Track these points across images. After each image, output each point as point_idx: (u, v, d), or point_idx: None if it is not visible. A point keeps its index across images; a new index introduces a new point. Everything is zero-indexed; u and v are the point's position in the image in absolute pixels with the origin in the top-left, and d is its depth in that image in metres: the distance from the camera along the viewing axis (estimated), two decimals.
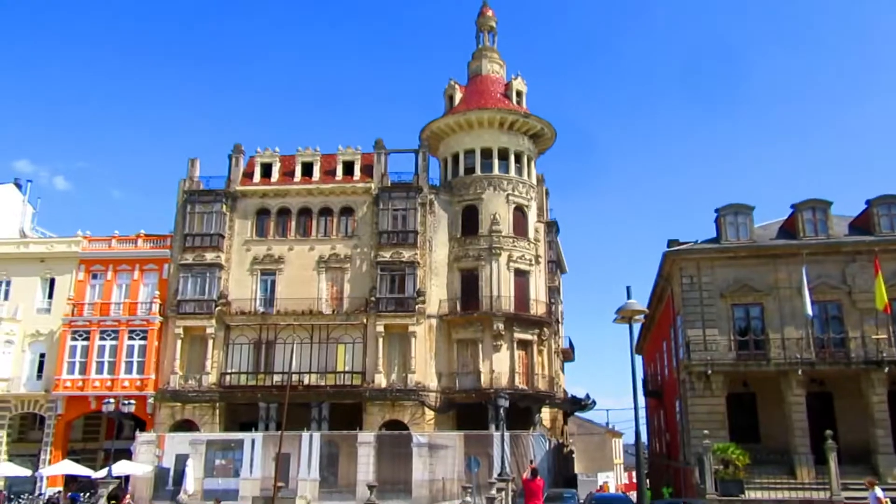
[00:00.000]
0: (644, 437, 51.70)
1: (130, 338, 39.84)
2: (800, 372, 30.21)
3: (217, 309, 40.22)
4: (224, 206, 42.04)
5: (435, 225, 41.56)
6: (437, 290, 40.60)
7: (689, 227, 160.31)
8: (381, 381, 38.81)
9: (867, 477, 19.16)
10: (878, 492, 15.67)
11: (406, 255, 40.32)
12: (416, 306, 39.61)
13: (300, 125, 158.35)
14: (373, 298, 39.73)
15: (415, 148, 43.61)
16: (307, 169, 43.47)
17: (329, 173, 43.28)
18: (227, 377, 39.54)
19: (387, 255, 40.42)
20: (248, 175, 43.47)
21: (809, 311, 29.82)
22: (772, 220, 36.32)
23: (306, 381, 38.36)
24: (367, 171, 42.94)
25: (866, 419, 29.93)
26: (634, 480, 19.52)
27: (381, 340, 39.30)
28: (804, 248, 32.11)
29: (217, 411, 39.19)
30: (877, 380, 29.73)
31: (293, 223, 42.16)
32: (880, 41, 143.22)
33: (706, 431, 28.68)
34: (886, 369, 29.56)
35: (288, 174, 43.47)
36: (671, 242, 34.84)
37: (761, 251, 33.25)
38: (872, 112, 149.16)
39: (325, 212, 42.22)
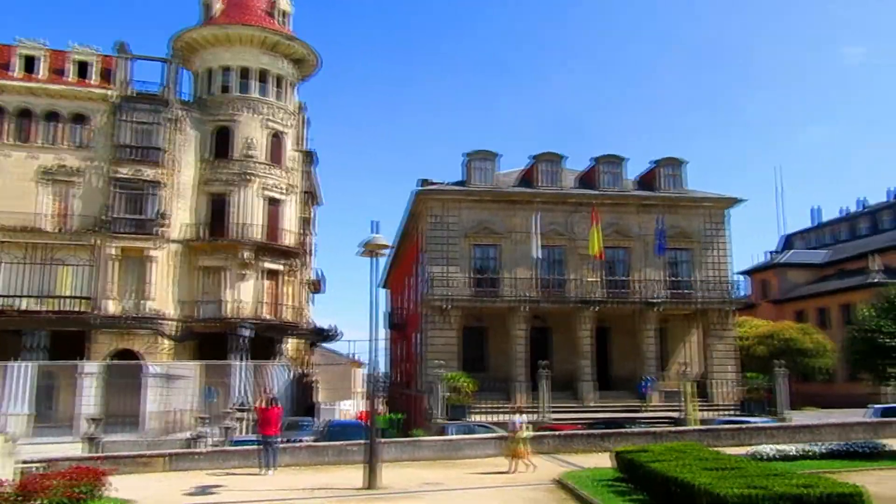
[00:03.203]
0: (386, 368, 54.28)
1: None
2: (526, 309, 33.45)
3: None
4: None
5: (183, 143, 38.68)
6: (181, 213, 38.10)
7: (442, 168, 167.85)
8: (111, 307, 35.84)
9: (517, 405, 21.97)
10: (520, 418, 17.86)
11: (148, 173, 37.15)
12: (158, 229, 36.88)
13: (22, 12, 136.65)
14: (106, 218, 36.23)
15: (165, 57, 39.91)
16: (30, 64, 37.79)
17: (58, 73, 38.04)
18: None
19: (125, 171, 36.91)
20: None
21: (536, 254, 32.98)
22: (514, 168, 39.12)
23: (20, 306, 34.26)
24: (107, 76, 38.50)
25: (575, 351, 34.10)
26: (378, 408, 20.53)
27: (113, 264, 36.16)
28: (538, 197, 35.27)
29: None
30: (586, 317, 33.95)
31: (8, 125, 36.67)
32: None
33: (440, 361, 30.78)
34: (594, 308, 33.86)
35: (3, 67, 37.47)
36: (422, 182, 36.18)
37: (502, 196, 35.86)
38: (600, 74, 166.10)
39: (52, 116, 37.26)
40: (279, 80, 41.42)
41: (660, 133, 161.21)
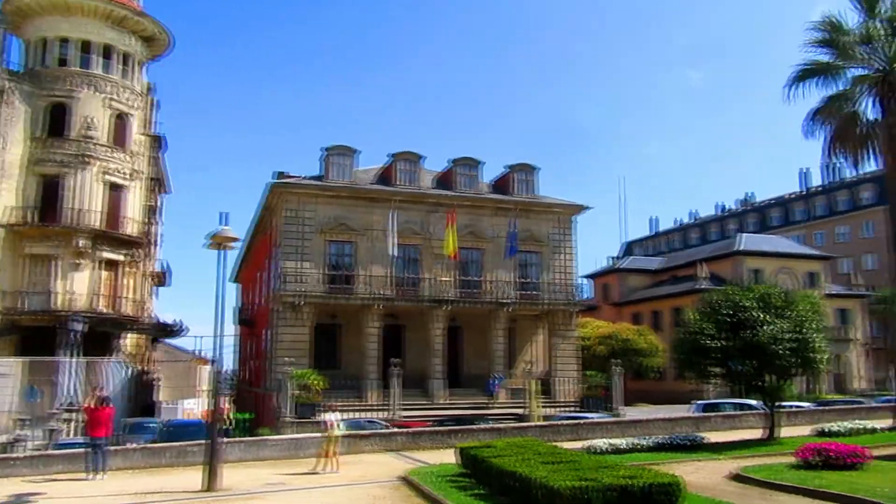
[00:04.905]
0: (234, 365, 52.36)
1: None
2: (380, 307, 33.42)
3: None
4: None
5: (10, 118, 35.16)
6: (6, 194, 34.64)
7: (301, 161, 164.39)
8: None
9: (331, 401, 22.06)
10: (332, 416, 17.83)
11: None
12: None
13: None
14: None
15: None
16: None
17: None
18: None
19: None
20: None
21: (392, 252, 33.07)
22: (373, 165, 38.98)
23: None
24: None
25: (428, 350, 34.50)
26: (222, 406, 19.69)
27: None
28: (396, 196, 35.35)
29: None
30: (439, 316, 34.45)
31: None
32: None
33: (289, 358, 30.10)
34: (447, 307, 34.42)
35: None
36: (279, 175, 35.22)
37: (360, 193, 35.63)
38: (456, 78, 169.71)
39: None
40: (125, 58, 38.78)
41: (515, 140, 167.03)
